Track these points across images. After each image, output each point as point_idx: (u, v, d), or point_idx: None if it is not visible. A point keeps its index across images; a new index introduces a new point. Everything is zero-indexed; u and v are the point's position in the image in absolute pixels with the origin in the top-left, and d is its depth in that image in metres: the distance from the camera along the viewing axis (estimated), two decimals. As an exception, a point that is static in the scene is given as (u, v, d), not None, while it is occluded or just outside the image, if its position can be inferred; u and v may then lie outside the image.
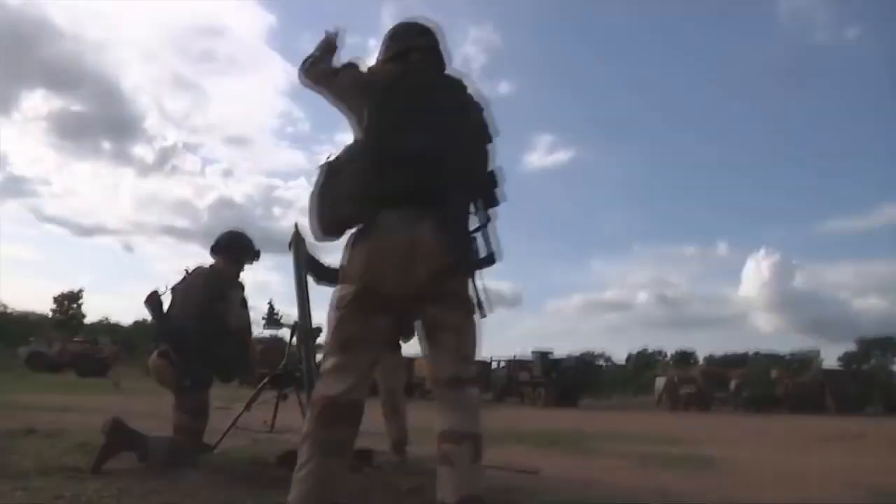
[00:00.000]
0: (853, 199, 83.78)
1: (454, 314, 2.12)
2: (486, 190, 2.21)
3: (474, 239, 2.16)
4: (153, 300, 3.69)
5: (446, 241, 2.03)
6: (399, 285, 2.05)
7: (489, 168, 2.24)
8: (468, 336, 2.16)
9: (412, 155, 2.04)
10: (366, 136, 2.11)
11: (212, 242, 3.94)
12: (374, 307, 2.08)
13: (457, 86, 2.28)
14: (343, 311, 2.10)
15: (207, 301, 3.64)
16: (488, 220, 2.20)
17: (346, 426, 2.03)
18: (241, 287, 3.86)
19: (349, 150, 2.17)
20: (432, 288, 2.06)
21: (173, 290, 3.76)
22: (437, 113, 2.14)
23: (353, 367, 2.07)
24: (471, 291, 2.15)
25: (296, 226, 3.89)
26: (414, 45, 2.30)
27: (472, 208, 2.19)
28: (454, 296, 2.13)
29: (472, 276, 2.16)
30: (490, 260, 2.17)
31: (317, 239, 2.18)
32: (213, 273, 3.79)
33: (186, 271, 3.87)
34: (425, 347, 2.19)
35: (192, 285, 3.76)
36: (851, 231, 74.86)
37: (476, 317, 2.17)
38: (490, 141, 2.27)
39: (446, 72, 2.35)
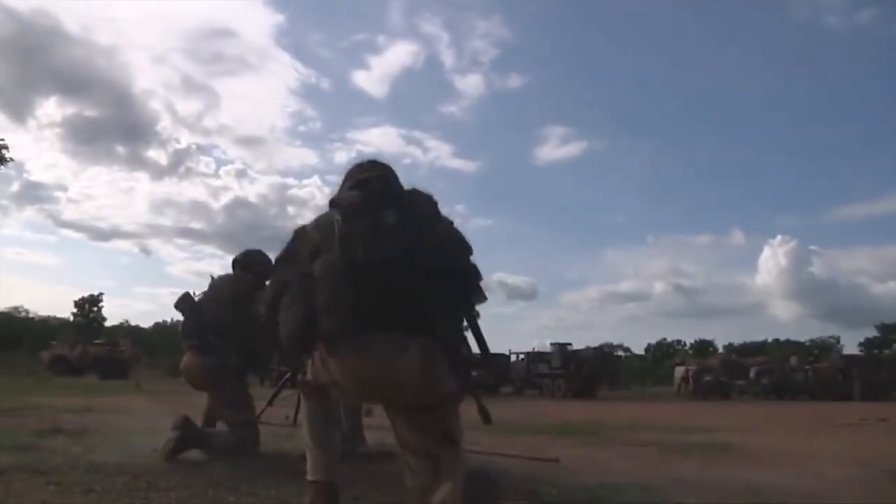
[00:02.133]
0: (869, 185, 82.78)
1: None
2: (471, 285, 2.08)
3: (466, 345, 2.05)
4: (186, 299, 3.86)
5: (433, 374, 1.93)
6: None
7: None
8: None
9: (386, 261, 1.92)
10: (338, 247, 1.96)
11: (229, 250, 4.06)
12: None
13: (424, 198, 2.16)
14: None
15: (237, 300, 3.75)
16: (476, 317, 2.09)
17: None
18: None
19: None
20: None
21: (203, 293, 3.92)
22: (406, 221, 2.02)
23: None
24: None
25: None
26: (369, 175, 2.18)
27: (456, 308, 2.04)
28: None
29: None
30: (485, 363, 2.12)
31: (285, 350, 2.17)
32: (241, 277, 3.91)
33: (212, 276, 4.03)
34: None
35: (221, 287, 3.90)
36: (868, 216, 74.01)
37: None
38: (468, 247, 2.12)
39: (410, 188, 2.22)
